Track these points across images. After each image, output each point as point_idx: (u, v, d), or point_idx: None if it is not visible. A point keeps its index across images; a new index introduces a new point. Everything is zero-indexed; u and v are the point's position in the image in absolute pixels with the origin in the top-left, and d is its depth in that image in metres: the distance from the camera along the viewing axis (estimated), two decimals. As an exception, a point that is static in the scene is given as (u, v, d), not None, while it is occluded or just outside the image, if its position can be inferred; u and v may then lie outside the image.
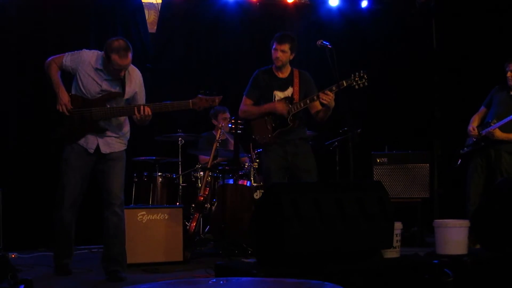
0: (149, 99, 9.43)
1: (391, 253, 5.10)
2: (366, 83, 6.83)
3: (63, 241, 6.37)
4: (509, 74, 7.80)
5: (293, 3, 10.47)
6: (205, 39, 10.13)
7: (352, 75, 6.79)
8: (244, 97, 7.18)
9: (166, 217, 7.17)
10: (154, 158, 8.49)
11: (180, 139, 8.49)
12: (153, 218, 7.12)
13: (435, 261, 4.98)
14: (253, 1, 10.25)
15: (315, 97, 6.82)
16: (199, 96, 6.36)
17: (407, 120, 10.47)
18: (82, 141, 6.21)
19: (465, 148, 8.04)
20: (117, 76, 6.19)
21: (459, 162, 8.08)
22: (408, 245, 7.09)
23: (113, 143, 6.33)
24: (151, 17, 9.93)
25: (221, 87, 10.13)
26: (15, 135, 8.82)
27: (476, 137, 7.87)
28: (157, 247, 7.07)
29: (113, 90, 6.23)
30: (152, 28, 9.88)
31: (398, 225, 5.12)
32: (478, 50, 9.74)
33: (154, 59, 9.56)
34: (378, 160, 8.91)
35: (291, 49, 6.99)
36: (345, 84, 6.73)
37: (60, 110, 6.10)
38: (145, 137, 9.18)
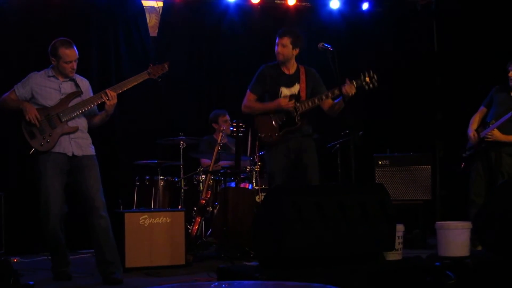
0: (149, 102, 9.47)
1: (393, 256, 5.10)
2: (376, 84, 6.83)
3: (58, 252, 6.41)
4: (510, 74, 7.80)
5: (294, 6, 10.47)
6: (206, 42, 10.14)
7: (361, 74, 6.79)
8: (248, 91, 7.16)
9: (168, 221, 7.17)
10: (156, 161, 8.48)
11: (181, 142, 8.48)
12: (155, 221, 7.11)
13: (437, 263, 4.97)
14: (254, 4, 10.25)
15: (323, 97, 6.81)
16: (151, 66, 6.71)
17: (408, 122, 10.47)
18: (57, 148, 6.22)
19: (467, 152, 8.03)
20: (69, 72, 6.31)
21: (462, 165, 8.08)
22: (410, 247, 7.08)
23: (85, 146, 6.36)
24: (152, 21, 9.94)
25: (222, 90, 10.16)
26: (17, 139, 8.82)
27: (476, 141, 7.87)
28: (159, 251, 7.07)
29: (71, 91, 6.36)
30: (153, 31, 9.89)
31: (400, 227, 5.11)
32: (480, 52, 9.73)
33: (155, 63, 9.55)
34: (379, 162, 8.91)
35: (292, 43, 6.98)
36: (355, 85, 6.74)
37: (31, 119, 6.12)
38: (147, 140, 9.20)
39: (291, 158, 6.94)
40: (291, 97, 6.94)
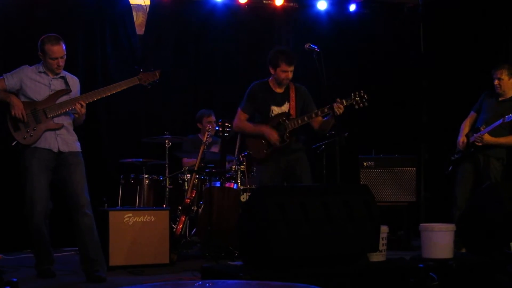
0: (135, 101, 9.44)
1: (377, 257, 5.12)
2: (366, 104, 6.89)
3: (42, 249, 6.39)
4: (496, 82, 7.84)
5: (281, 6, 10.47)
6: (193, 41, 10.12)
7: (352, 94, 6.86)
8: (239, 110, 7.19)
9: (152, 219, 7.15)
10: (141, 160, 8.46)
11: (167, 141, 8.47)
12: (140, 220, 7.10)
13: (421, 265, 5.00)
14: (242, 4, 10.24)
15: (313, 115, 6.87)
16: (142, 72, 6.66)
17: (394, 124, 10.50)
18: (42, 143, 6.22)
19: (456, 155, 8.06)
20: (55, 69, 6.32)
21: (450, 168, 8.11)
22: (394, 248, 7.10)
23: (70, 143, 6.37)
24: (139, 19, 9.92)
25: (209, 89, 10.15)
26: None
27: (464, 147, 7.90)
28: (144, 249, 7.05)
29: (61, 88, 6.37)
30: (140, 30, 9.86)
31: (384, 229, 5.13)
32: (466, 55, 9.77)
33: (142, 60, 9.52)
34: (365, 164, 8.94)
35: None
36: (345, 104, 6.79)
37: (17, 115, 6.13)
38: (132, 139, 9.18)
39: (282, 171, 6.99)
40: (281, 115, 6.98)
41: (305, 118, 6.93)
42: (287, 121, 6.95)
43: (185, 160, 9.03)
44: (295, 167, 7.02)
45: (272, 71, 7.05)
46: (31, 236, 6.30)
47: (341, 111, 6.75)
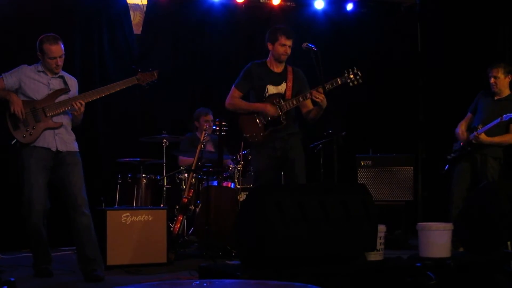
0: (132, 100, 9.44)
1: (375, 256, 5.11)
2: (360, 80, 6.82)
3: (40, 248, 6.39)
4: (492, 80, 7.85)
5: (278, 5, 10.47)
6: (190, 40, 10.13)
7: (346, 72, 6.78)
8: (233, 87, 7.10)
9: (150, 219, 7.16)
10: (138, 159, 8.46)
11: (164, 140, 8.47)
12: (137, 219, 7.10)
13: (418, 264, 5.00)
14: (239, 3, 10.25)
15: (308, 95, 6.77)
16: (140, 72, 6.68)
17: (391, 123, 10.50)
18: (41, 142, 6.24)
19: (452, 154, 8.06)
20: (53, 68, 6.35)
21: (446, 167, 8.11)
22: (391, 248, 7.09)
23: (69, 142, 6.39)
24: (136, 19, 9.91)
25: (206, 88, 10.15)
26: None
27: (465, 141, 7.90)
28: (141, 249, 7.05)
29: (59, 87, 6.40)
30: (137, 29, 9.86)
31: (381, 228, 5.13)
32: (463, 54, 9.78)
33: (139, 60, 9.52)
34: (362, 163, 8.94)
35: (292, 44, 6.99)
36: (339, 82, 6.73)
37: (16, 112, 6.14)
38: (130, 138, 9.17)
39: (277, 157, 6.92)
40: (276, 96, 6.93)
41: (300, 99, 6.83)
42: (282, 102, 6.90)
43: (181, 158, 9.03)
44: (288, 154, 6.94)
45: (270, 47, 7.02)
46: (29, 236, 6.31)
47: (319, 98, 6.67)
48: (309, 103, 6.93)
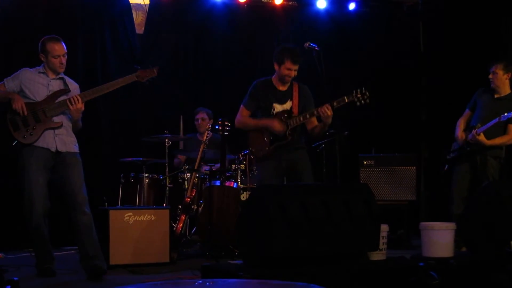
0: (135, 100, 9.45)
1: (377, 256, 5.11)
2: (368, 100, 6.89)
3: (42, 248, 6.41)
4: (490, 75, 7.84)
5: (281, 5, 10.47)
6: (192, 40, 10.13)
7: (354, 91, 6.89)
8: (241, 106, 7.21)
9: (152, 218, 7.16)
10: (141, 159, 8.46)
11: (167, 140, 8.47)
12: (140, 219, 7.10)
13: (421, 264, 4.99)
14: (241, 2, 10.25)
15: (315, 112, 6.83)
16: (140, 69, 6.72)
17: (394, 122, 10.50)
18: (41, 143, 6.27)
19: (451, 154, 8.05)
20: (58, 67, 6.40)
21: (446, 167, 8.10)
22: (394, 247, 7.10)
23: (68, 143, 6.42)
24: (138, 18, 9.92)
25: (208, 88, 10.15)
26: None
27: (463, 143, 7.89)
28: (144, 248, 7.06)
29: (59, 89, 6.43)
30: (139, 29, 9.87)
31: (384, 228, 5.13)
32: (465, 53, 9.77)
33: (141, 60, 9.53)
34: (364, 163, 8.93)
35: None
36: (346, 101, 6.81)
37: (17, 109, 6.16)
38: (132, 138, 9.18)
39: (283, 167, 7.01)
40: (283, 112, 6.98)
41: (307, 116, 6.93)
42: (289, 120, 6.96)
43: (179, 156, 9.05)
44: (296, 165, 7.04)
45: (276, 67, 7.07)
46: (31, 235, 6.32)
47: (326, 115, 6.74)
48: (314, 120, 7.04)
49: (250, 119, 7.18)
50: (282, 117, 6.98)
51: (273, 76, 7.16)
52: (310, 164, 7.17)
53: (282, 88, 7.11)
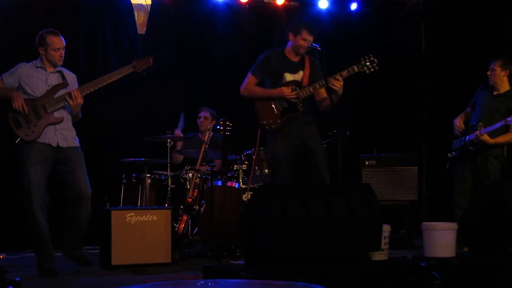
0: (137, 100, 9.45)
1: (379, 256, 5.11)
2: (377, 68, 6.84)
3: (42, 246, 6.44)
4: (488, 72, 7.83)
5: (282, 5, 10.46)
6: (194, 40, 10.13)
7: (362, 59, 6.82)
8: (249, 74, 7.11)
9: (154, 219, 7.16)
10: (142, 159, 8.46)
11: (168, 140, 8.47)
12: (142, 219, 7.10)
13: (423, 264, 4.99)
14: (243, 3, 10.25)
15: (323, 82, 6.74)
16: (136, 59, 6.80)
17: (395, 122, 10.49)
18: (42, 138, 6.32)
19: (453, 152, 8.04)
20: (57, 60, 6.45)
21: (447, 166, 8.09)
22: (396, 247, 7.09)
23: (69, 138, 6.49)
24: (140, 18, 9.92)
25: (210, 88, 10.15)
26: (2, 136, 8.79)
27: (462, 131, 7.89)
28: (146, 249, 7.05)
29: (57, 82, 6.47)
30: (141, 29, 9.87)
31: (386, 228, 5.13)
32: (467, 54, 9.76)
33: (139, 57, 9.51)
34: (366, 163, 8.94)
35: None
36: (356, 70, 6.79)
37: (18, 107, 6.20)
38: (134, 138, 9.17)
39: (296, 145, 6.93)
40: (293, 83, 6.94)
41: (317, 86, 6.85)
42: (298, 90, 6.91)
43: (175, 155, 9.07)
44: (308, 142, 6.95)
45: (291, 37, 7.03)
46: (31, 230, 6.37)
47: (338, 86, 6.69)
48: (323, 92, 6.93)
49: (258, 87, 7.10)
50: (292, 88, 6.92)
51: (286, 48, 7.12)
52: (321, 140, 7.17)
53: (295, 59, 7.07)
